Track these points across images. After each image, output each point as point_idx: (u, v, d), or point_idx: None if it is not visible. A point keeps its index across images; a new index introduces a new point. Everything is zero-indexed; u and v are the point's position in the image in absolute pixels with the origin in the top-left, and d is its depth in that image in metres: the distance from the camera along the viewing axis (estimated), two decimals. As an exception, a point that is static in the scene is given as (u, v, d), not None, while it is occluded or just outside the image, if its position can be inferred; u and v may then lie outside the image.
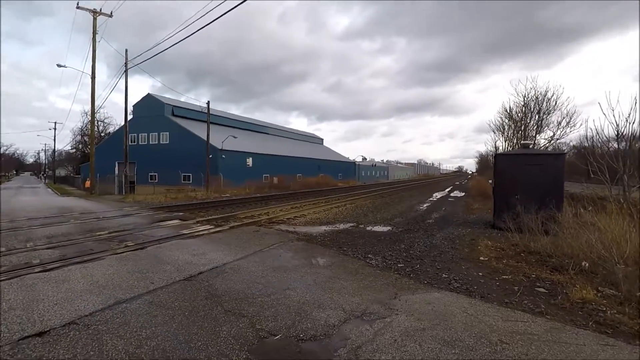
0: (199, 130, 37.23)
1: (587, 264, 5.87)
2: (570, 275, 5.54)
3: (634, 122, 9.63)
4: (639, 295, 4.44)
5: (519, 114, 23.88)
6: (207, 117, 28.51)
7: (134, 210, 14.80)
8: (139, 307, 4.12)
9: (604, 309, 4.23)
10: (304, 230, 10.08)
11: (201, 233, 9.20)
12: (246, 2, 10.23)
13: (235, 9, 9.87)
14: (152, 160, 38.68)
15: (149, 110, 40.47)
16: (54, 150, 66.12)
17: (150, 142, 40.61)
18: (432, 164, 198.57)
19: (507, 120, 25.66)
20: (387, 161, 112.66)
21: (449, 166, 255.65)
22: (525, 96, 23.01)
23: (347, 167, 67.50)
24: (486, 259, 6.82)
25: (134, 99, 76.69)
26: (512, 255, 7.10)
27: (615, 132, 10.24)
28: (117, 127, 52.20)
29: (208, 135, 28.18)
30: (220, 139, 34.54)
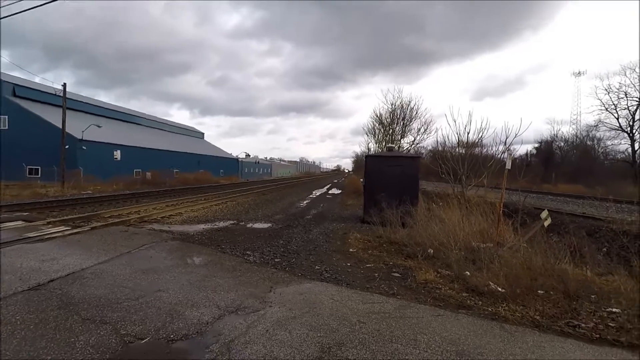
0: (52, 116, 31.76)
1: (432, 251, 7.02)
2: (419, 261, 6.55)
3: (469, 132, 11.82)
4: (465, 273, 5.53)
5: (388, 120, 26.89)
6: (63, 100, 24.47)
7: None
8: (-37, 325, 3.43)
9: (440, 286, 5.16)
10: (180, 229, 9.58)
11: (53, 235, 7.95)
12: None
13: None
14: (-18, 150, 31.63)
15: (-22, 88, 32.91)
16: None
17: (-20, 127, 33.15)
18: (314, 162, 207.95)
19: (377, 125, 28.66)
20: (271, 158, 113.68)
21: (329, 165, 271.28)
22: (393, 104, 26.05)
23: (230, 163, 65.92)
24: (355, 250, 7.57)
25: (-43, 70, 60.68)
26: (376, 246, 8.03)
27: (457, 140, 12.40)
28: None
29: (64, 121, 24.18)
30: (81, 127, 30.09)
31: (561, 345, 3.46)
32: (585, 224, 11.22)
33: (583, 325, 3.86)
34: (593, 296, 4.60)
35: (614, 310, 4.19)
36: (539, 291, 4.75)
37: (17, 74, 46.74)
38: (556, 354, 3.27)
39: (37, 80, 70.03)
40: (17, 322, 3.53)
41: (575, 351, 3.35)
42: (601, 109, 39.44)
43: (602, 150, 44.09)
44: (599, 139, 43.83)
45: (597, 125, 41.32)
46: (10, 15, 12.31)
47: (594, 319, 3.99)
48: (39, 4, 10.73)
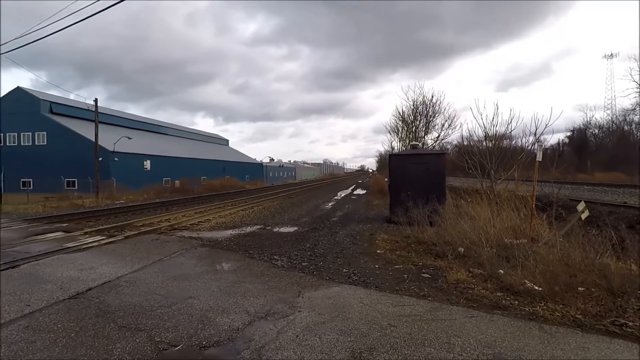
0: (86, 130, 33.25)
1: (462, 249, 6.82)
2: (449, 260, 6.37)
3: (496, 125, 11.45)
4: (499, 272, 5.33)
5: (410, 117, 26.44)
6: (95, 115, 25.55)
7: (2, 222, 12.64)
8: (11, 334, 3.60)
9: (473, 286, 5.00)
10: (208, 235, 9.77)
11: (90, 245, 8.29)
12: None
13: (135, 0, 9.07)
14: (25, 164, 33.64)
15: (20, 107, 35.04)
16: None
17: (22, 143, 35.25)
18: (337, 163, 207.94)
19: (400, 123, 28.21)
20: (295, 162, 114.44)
21: (353, 165, 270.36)
22: (414, 100, 25.59)
23: (254, 169, 66.80)
24: (382, 251, 7.46)
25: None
26: (404, 246, 7.88)
27: (484, 133, 12.03)
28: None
29: (96, 135, 25.26)
30: (112, 140, 31.32)
31: (607, 345, 3.26)
32: (626, 214, 10.62)
33: (630, 323, 3.63)
34: (640, 292, 4.33)
35: (664, 307, 3.92)
36: (580, 288, 4.51)
37: (54, 92, 49.48)
38: (602, 356, 3.09)
39: (72, 97, 73.46)
40: (59, 330, 3.68)
41: (623, 352, 3.15)
42: (638, 91, 37.25)
43: (642, 135, 41.78)
44: (638, 123, 41.57)
45: (634, 108, 39.14)
46: (41, 39, 12.96)
47: (643, 317, 3.74)
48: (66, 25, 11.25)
